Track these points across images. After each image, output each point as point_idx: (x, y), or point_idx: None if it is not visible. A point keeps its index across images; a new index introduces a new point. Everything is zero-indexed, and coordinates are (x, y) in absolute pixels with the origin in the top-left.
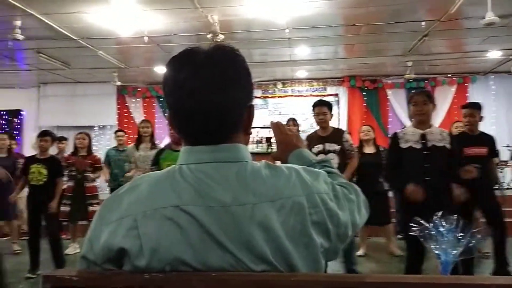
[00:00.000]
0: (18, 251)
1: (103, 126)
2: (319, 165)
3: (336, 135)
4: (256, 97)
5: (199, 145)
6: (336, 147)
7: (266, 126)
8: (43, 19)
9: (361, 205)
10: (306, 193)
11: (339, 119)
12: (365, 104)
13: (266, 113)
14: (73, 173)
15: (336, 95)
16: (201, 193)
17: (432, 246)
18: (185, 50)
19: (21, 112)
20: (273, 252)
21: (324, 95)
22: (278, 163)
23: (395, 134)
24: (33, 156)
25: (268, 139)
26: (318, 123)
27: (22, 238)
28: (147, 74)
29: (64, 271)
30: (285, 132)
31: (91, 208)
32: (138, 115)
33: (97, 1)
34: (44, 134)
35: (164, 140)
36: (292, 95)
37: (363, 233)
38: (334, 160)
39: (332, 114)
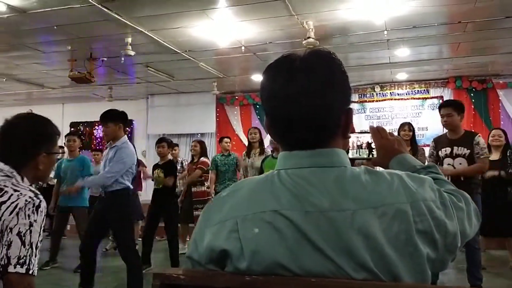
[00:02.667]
0: None
1: (204, 133)
2: (424, 171)
3: (467, 138)
4: (353, 101)
5: (299, 150)
6: (466, 151)
7: (366, 131)
8: (151, 35)
9: (471, 214)
10: (410, 201)
11: None
12: (473, 106)
13: (363, 118)
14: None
15: (441, 97)
16: (299, 197)
17: None
18: (281, 57)
19: (132, 122)
20: (375, 261)
21: (426, 98)
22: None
23: None
24: (157, 163)
25: (369, 145)
26: (444, 125)
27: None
28: (244, 82)
29: (172, 269)
30: (385, 137)
31: (195, 213)
32: (236, 123)
33: (199, 15)
34: (160, 141)
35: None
36: (391, 99)
37: (482, 245)
38: (463, 164)
39: (461, 115)
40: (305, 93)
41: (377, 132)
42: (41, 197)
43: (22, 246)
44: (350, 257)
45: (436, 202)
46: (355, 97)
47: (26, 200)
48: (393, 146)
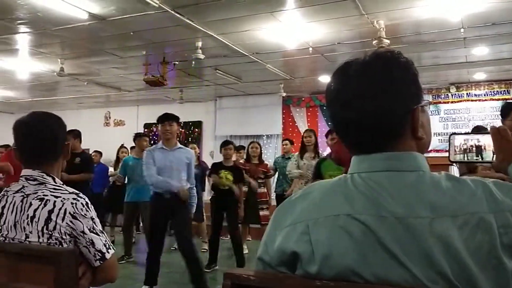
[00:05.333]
0: (204, 250)
1: (270, 135)
2: None
3: None
4: (429, 102)
5: (365, 154)
6: None
7: (483, 132)
8: (220, 38)
9: None
10: (495, 211)
11: None
12: None
13: (437, 120)
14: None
15: None
16: (373, 202)
17: None
18: (343, 62)
19: (201, 123)
20: (455, 271)
21: (507, 99)
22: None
23: None
24: (220, 162)
25: (478, 147)
26: None
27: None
28: (310, 84)
29: (243, 270)
30: (506, 138)
31: (261, 213)
32: (302, 124)
33: (267, 18)
34: (227, 143)
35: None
36: (468, 100)
37: None
38: None
39: None
40: (359, 97)
41: (498, 133)
42: (81, 194)
43: (99, 237)
44: (429, 266)
45: None
46: (428, 98)
47: (72, 203)
48: None
